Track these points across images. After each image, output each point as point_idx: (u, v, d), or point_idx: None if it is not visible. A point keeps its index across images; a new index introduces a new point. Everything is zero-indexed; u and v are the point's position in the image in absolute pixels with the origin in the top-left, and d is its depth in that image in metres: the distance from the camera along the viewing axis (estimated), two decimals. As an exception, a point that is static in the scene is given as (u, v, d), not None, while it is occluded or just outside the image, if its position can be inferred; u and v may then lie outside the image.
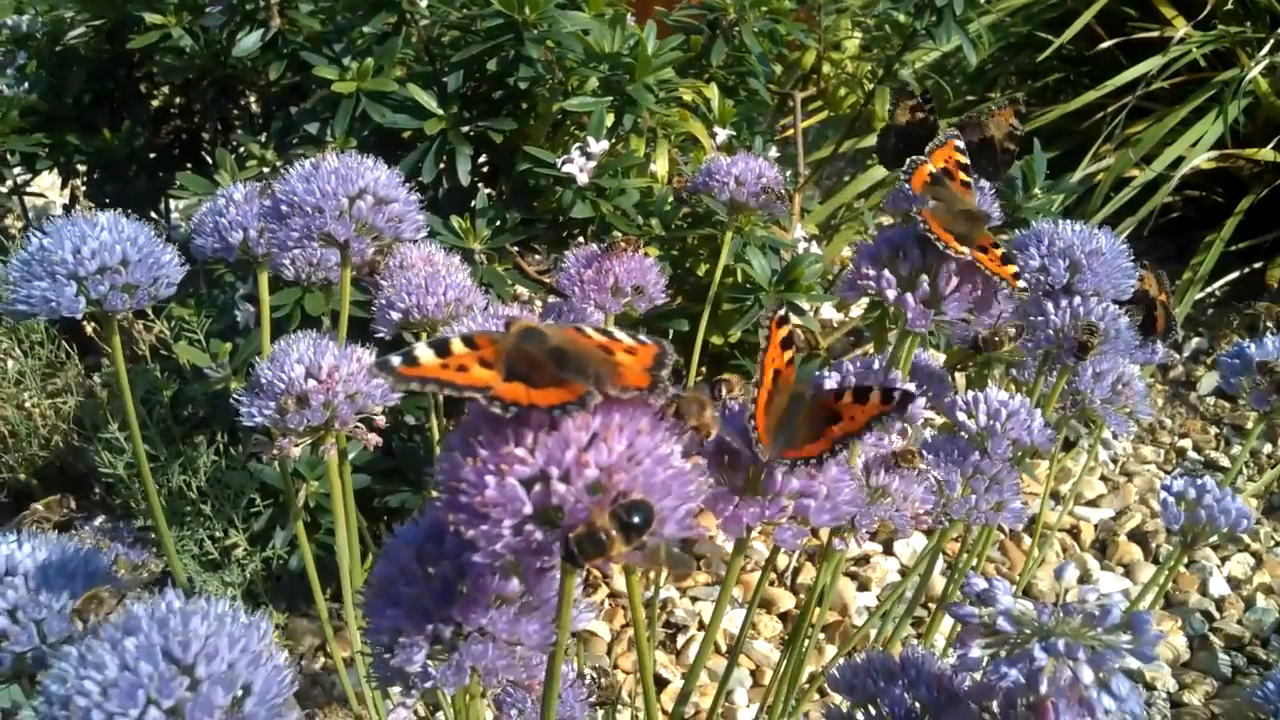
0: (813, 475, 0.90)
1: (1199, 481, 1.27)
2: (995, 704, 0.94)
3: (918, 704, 0.96)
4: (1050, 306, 1.30)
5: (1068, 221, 1.32)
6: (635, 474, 0.70)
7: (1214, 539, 2.35)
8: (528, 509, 0.68)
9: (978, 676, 0.92)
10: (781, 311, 0.97)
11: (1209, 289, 3.28)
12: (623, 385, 0.72)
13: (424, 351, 0.76)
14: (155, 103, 2.79)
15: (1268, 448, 2.84)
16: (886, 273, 1.16)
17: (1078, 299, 1.30)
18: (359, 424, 1.19)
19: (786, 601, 2.30)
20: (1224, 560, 2.45)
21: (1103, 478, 2.75)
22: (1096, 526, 2.57)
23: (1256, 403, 1.39)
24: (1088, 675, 0.85)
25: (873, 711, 0.97)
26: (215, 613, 0.77)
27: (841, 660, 1.15)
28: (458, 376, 0.75)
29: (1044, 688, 0.86)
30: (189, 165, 2.65)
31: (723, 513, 0.89)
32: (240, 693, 0.75)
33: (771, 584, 2.37)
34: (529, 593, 0.81)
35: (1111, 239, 1.31)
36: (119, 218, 1.15)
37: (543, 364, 0.74)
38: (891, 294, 1.16)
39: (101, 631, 0.75)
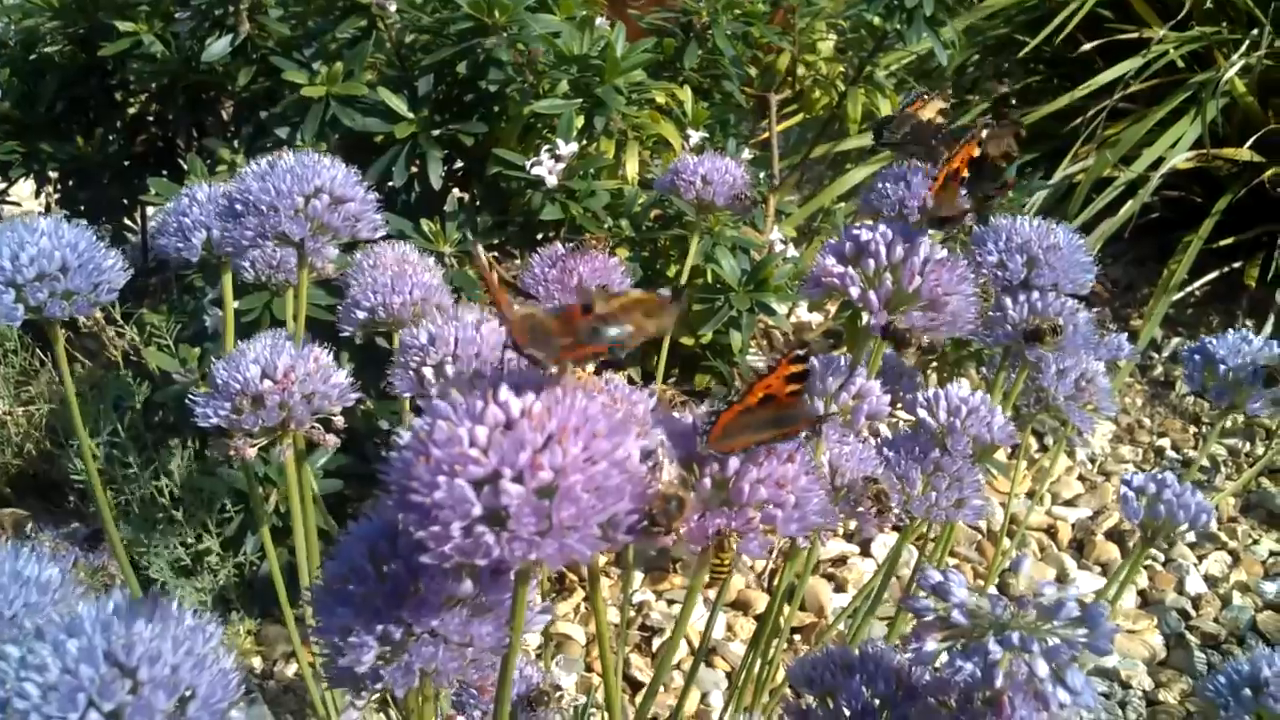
0: (781, 485, 0.88)
1: (1159, 477, 1.27)
2: (953, 698, 0.94)
3: (876, 698, 0.96)
4: (1008, 301, 1.30)
5: (1025, 217, 1.32)
6: (591, 474, 0.69)
7: (1190, 536, 2.36)
8: (477, 510, 0.67)
9: (937, 670, 0.92)
10: (801, 352, 0.93)
11: (1188, 289, 3.30)
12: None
13: None
14: (131, 110, 2.78)
15: (1247, 446, 2.85)
16: (850, 270, 1.16)
17: (1035, 294, 1.30)
18: (316, 425, 1.19)
19: (764, 603, 2.29)
20: (1201, 558, 2.46)
21: (1080, 477, 2.75)
22: (1074, 526, 2.57)
23: (1218, 397, 1.39)
24: (1042, 668, 0.85)
25: (831, 705, 0.97)
26: (160, 614, 0.76)
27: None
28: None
29: (999, 681, 0.86)
30: (164, 172, 2.64)
31: (688, 522, 0.88)
32: (184, 696, 0.74)
33: (748, 586, 2.36)
34: (483, 594, 0.80)
35: (1069, 234, 1.31)
36: (60, 222, 1.14)
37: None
38: (855, 291, 1.16)
39: (45, 633, 0.75)
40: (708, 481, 0.85)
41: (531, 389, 0.70)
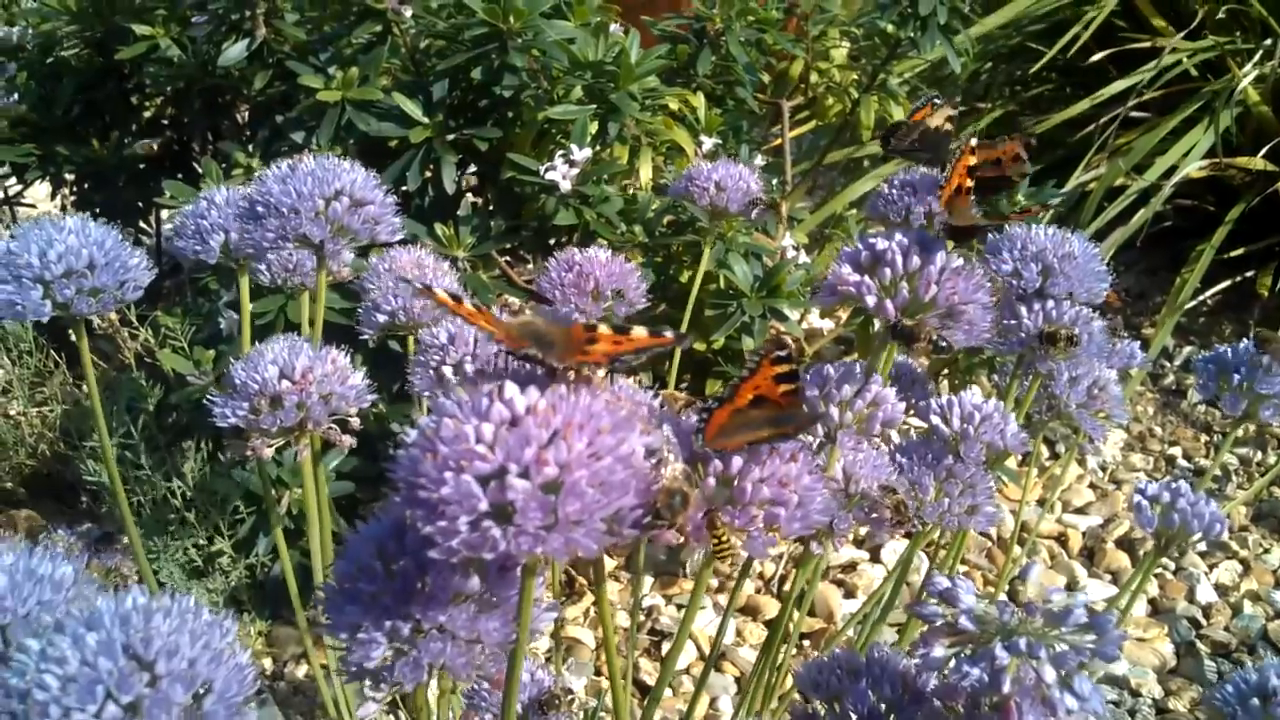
0: (784, 484, 0.89)
1: (1173, 486, 1.27)
2: (960, 703, 0.94)
3: (882, 703, 0.96)
4: (1023, 310, 1.31)
5: (1040, 225, 1.32)
6: (595, 469, 0.70)
7: (1201, 545, 2.36)
8: (484, 505, 0.68)
9: (944, 676, 0.93)
10: (782, 353, 0.95)
11: (1201, 298, 3.29)
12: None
13: None
14: (147, 114, 2.80)
15: (1259, 455, 2.85)
16: (867, 279, 1.17)
17: (1050, 302, 1.30)
18: (333, 425, 1.19)
19: (773, 609, 2.30)
20: (1211, 567, 2.45)
21: (1091, 485, 2.75)
22: (1084, 534, 2.57)
23: (1230, 407, 1.39)
24: (1050, 674, 0.85)
25: (837, 709, 0.97)
26: (178, 609, 0.77)
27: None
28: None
29: (1006, 687, 0.86)
30: (179, 175, 2.66)
31: (692, 520, 0.89)
32: (200, 690, 0.75)
33: (758, 591, 2.37)
34: (490, 590, 0.81)
35: (1084, 242, 1.31)
36: (86, 221, 1.15)
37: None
38: (871, 300, 1.16)
39: (64, 626, 0.75)
40: (712, 480, 0.85)
41: (537, 387, 0.71)
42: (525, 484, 0.67)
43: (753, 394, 0.91)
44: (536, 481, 0.68)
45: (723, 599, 2.35)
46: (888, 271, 1.12)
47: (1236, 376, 1.39)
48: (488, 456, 0.68)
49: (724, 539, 0.86)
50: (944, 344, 1.14)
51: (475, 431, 0.69)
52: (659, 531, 0.76)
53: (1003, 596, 1.93)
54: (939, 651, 0.88)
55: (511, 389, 0.70)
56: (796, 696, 1.52)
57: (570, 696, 1.25)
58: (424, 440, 0.70)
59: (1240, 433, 2.93)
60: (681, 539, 0.84)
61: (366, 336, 1.44)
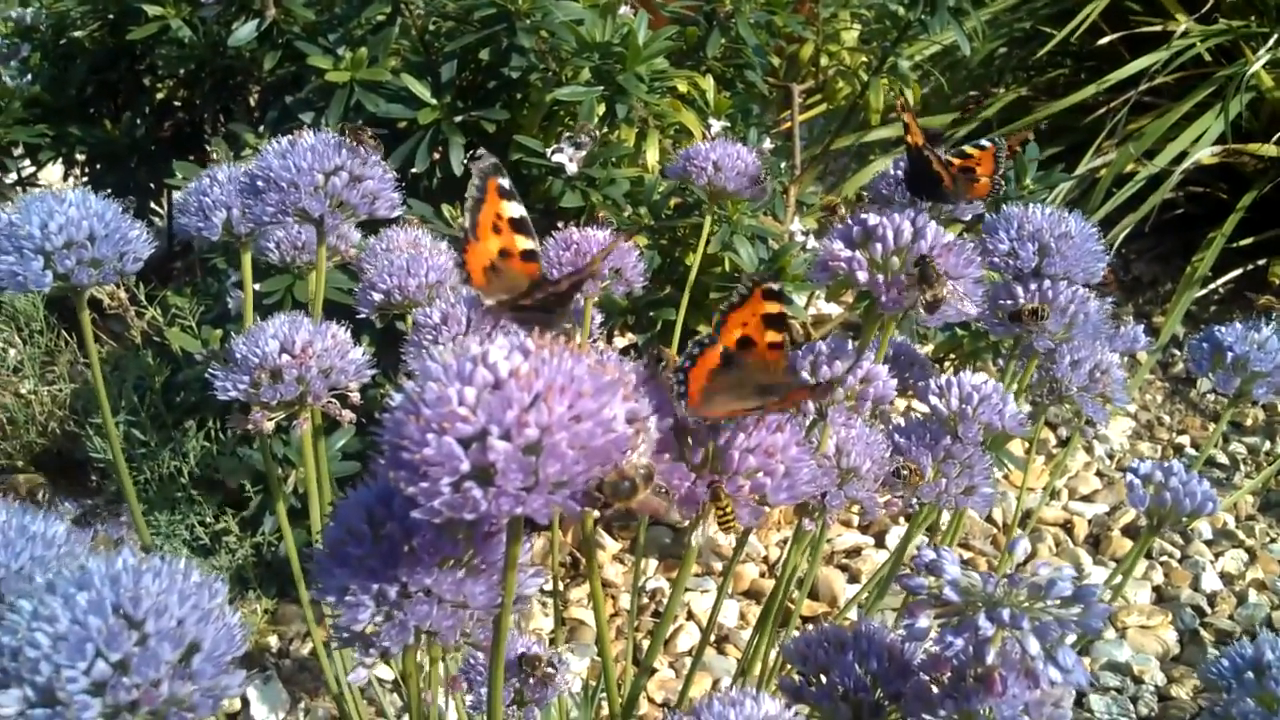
0: (771, 454, 0.90)
1: (1165, 465, 1.28)
2: (945, 675, 0.95)
3: (869, 675, 0.97)
4: (1019, 289, 1.31)
5: (1038, 205, 1.32)
6: (576, 431, 0.71)
7: (1207, 533, 2.34)
8: (465, 466, 0.69)
9: (929, 647, 0.93)
10: (775, 285, 0.93)
11: (1212, 285, 3.28)
12: None
13: None
14: (159, 95, 2.82)
15: (1267, 444, 2.84)
16: (858, 254, 1.17)
17: (1046, 282, 1.30)
18: (333, 399, 1.21)
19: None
20: (1217, 556, 2.45)
21: (1099, 473, 2.75)
22: (1090, 521, 2.57)
23: (1222, 385, 1.40)
24: (1033, 646, 0.86)
25: (824, 681, 0.98)
26: (168, 570, 0.78)
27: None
28: None
29: (990, 658, 0.87)
30: (190, 157, 2.68)
31: (679, 489, 0.90)
32: (189, 648, 0.76)
33: (762, 575, 2.38)
34: (477, 555, 0.82)
35: (1081, 222, 1.32)
36: (87, 194, 1.17)
37: None
38: (862, 275, 1.16)
39: (55, 586, 0.76)
40: (700, 452, 0.86)
41: (520, 351, 0.71)
42: (506, 445, 0.68)
43: (740, 332, 0.91)
44: (517, 443, 0.68)
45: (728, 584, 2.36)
46: (879, 247, 1.12)
47: (1230, 355, 1.40)
48: (469, 419, 0.69)
49: (729, 510, 0.86)
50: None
51: (458, 394, 0.70)
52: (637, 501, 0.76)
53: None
54: (924, 622, 0.89)
55: (496, 353, 0.71)
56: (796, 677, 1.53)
57: (550, 666, 1.27)
58: (408, 403, 0.71)
59: (1249, 422, 2.94)
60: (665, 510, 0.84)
61: (364, 315, 1.45)
